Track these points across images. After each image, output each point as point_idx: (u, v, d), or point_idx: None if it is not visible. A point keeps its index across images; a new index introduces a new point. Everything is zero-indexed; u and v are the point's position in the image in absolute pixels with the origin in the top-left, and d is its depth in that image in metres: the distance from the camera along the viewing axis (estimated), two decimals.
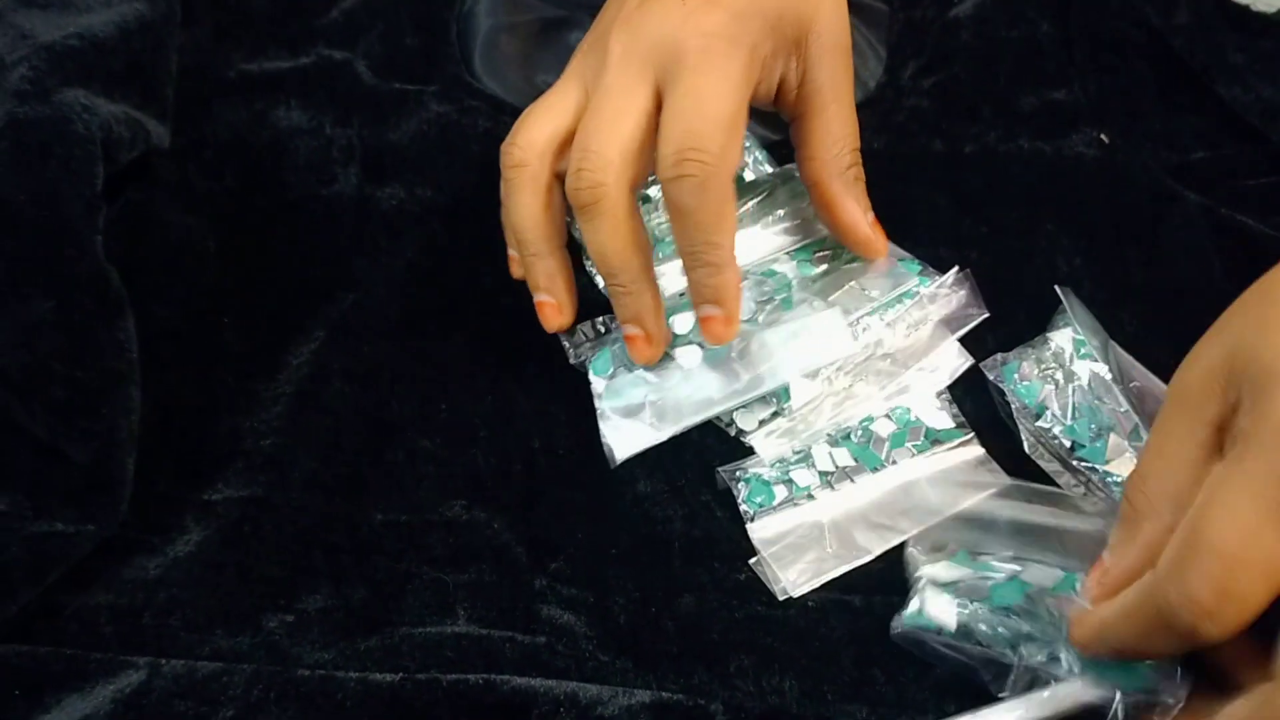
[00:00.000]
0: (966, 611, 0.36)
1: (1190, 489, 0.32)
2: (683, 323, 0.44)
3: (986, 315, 0.45)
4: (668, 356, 0.43)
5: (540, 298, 0.43)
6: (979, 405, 0.45)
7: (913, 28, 0.57)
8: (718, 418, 0.44)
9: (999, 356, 0.45)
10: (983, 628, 0.36)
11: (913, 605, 0.37)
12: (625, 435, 0.42)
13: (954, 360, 0.45)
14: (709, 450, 0.44)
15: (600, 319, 0.46)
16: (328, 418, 0.45)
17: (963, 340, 0.46)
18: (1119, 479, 0.42)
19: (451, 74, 0.56)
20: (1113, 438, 0.42)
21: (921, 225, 0.49)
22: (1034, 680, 0.35)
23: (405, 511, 0.43)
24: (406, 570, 0.41)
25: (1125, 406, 0.43)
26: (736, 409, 0.43)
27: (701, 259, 0.40)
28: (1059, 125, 0.53)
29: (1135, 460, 0.42)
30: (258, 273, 0.49)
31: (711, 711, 0.37)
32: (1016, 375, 0.44)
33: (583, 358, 0.45)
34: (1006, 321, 0.46)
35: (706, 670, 0.39)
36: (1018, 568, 0.38)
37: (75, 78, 0.45)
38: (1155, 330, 0.46)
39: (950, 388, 0.45)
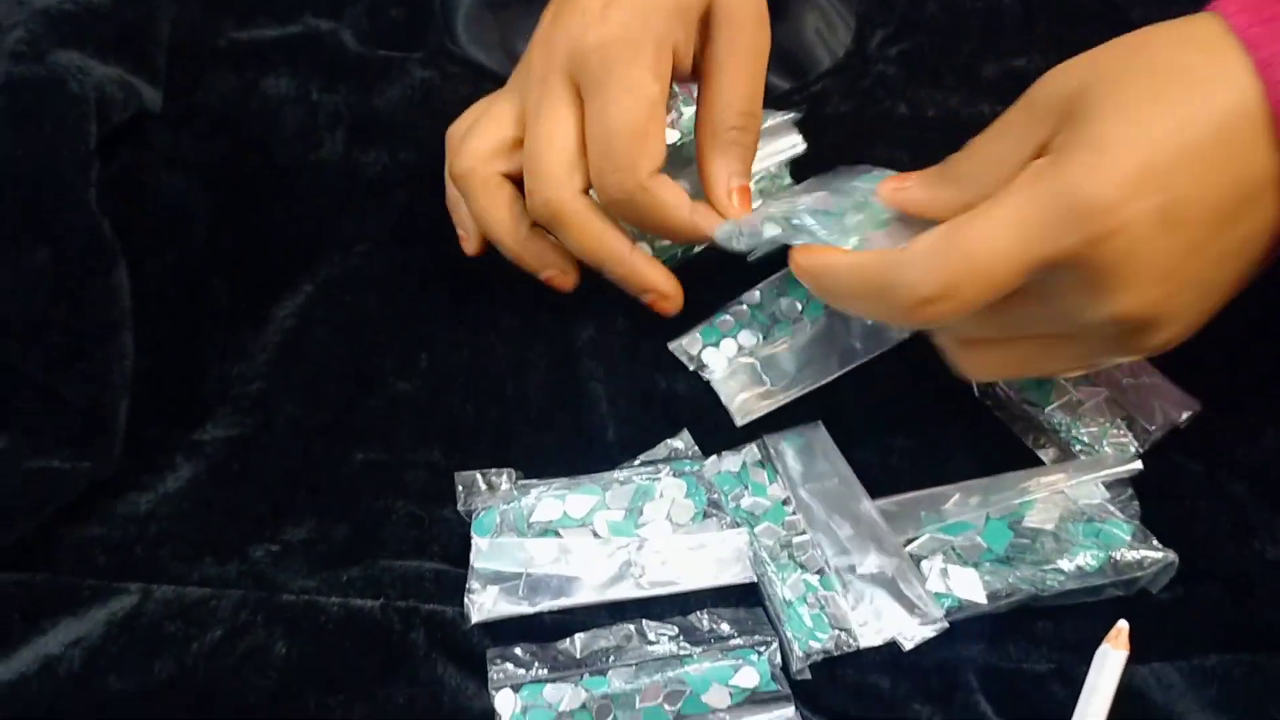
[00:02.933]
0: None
1: (994, 188, 0.35)
2: (578, 506, 0.43)
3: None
4: (556, 534, 0.42)
5: (544, 276, 0.46)
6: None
7: (881, 0, 0.59)
8: (685, 351, 0.46)
9: None
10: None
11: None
12: (489, 601, 0.40)
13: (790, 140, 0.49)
14: (678, 399, 0.47)
15: (495, 471, 0.44)
16: (312, 366, 0.47)
17: None
18: (1062, 422, 0.44)
19: (434, 42, 0.58)
20: (1058, 383, 0.45)
21: None
22: None
23: (385, 453, 0.45)
24: (386, 508, 0.44)
25: None
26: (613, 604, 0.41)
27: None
28: (1020, 91, 0.55)
29: (1077, 404, 0.44)
30: (246, 232, 0.51)
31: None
32: None
33: (472, 507, 0.43)
34: None
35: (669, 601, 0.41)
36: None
37: (69, 40, 0.47)
38: None
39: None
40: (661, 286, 0.44)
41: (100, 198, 0.45)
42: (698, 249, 0.49)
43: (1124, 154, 0.32)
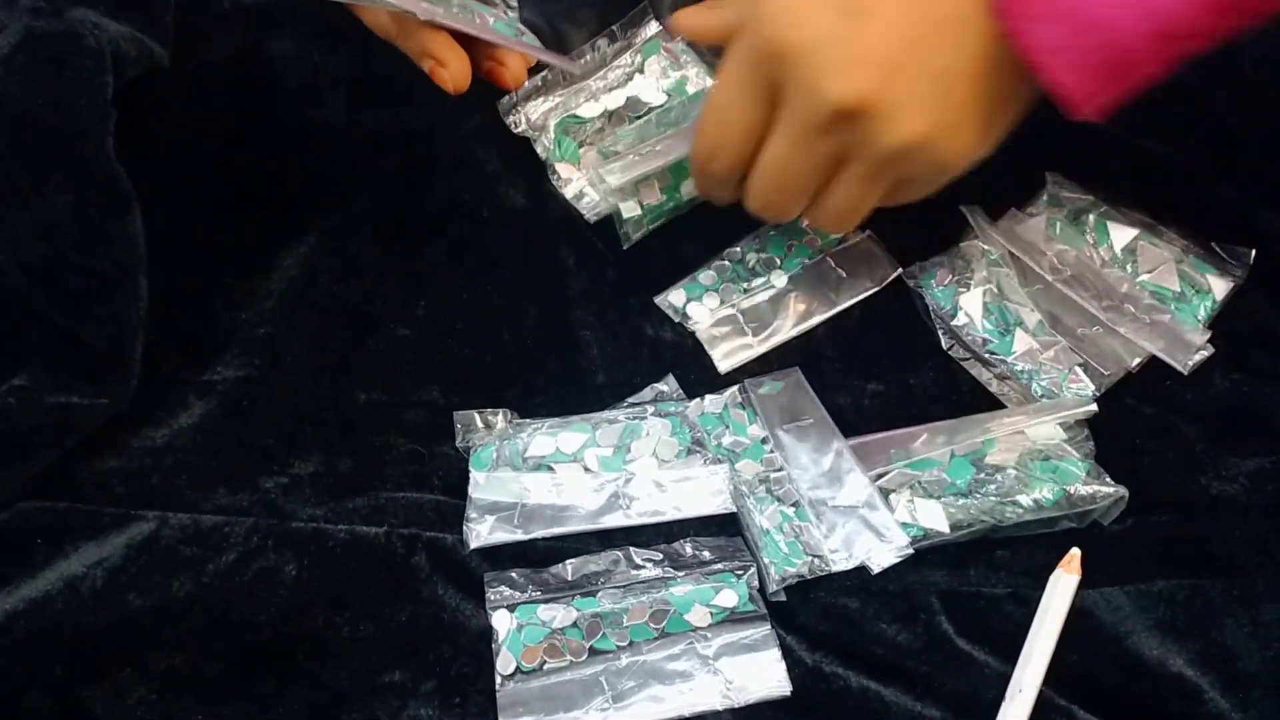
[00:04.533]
0: None
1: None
2: (569, 442, 0.45)
3: None
4: (549, 469, 0.45)
5: (426, 68, 0.45)
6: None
7: None
8: (670, 304, 0.49)
9: (918, 265, 0.50)
10: None
11: None
12: (486, 529, 0.43)
13: None
14: (664, 346, 0.49)
15: (491, 411, 0.46)
16: (317, 311, 0.49)
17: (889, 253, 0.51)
18: (1024, 370, 0.47)
19: None
20: (1019, 333, 0.47)
21: None
22: None
23: (386, 393, 0.47)
24: (388, 444, 0.46)
25: (1030, 305, 0.48)
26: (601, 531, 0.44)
27: None
28: None
29: (1038, 353, 0.47)
30: (252, 185, 0.54)
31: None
32: (934, 281, 0.49)
33: (469, 444, 0.46)
34: (922, 234, 0.51)
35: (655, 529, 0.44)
36: None
37: None
38: None
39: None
40: (440, 55, 0.45)
41: (115, 148, 0.47)
42: (686, 201, 0.51)
43: None
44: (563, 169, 0.53)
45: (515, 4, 0.50)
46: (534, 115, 0.54)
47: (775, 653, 0.40)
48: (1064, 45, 0.34)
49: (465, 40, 0.45)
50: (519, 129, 0.54)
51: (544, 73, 0.54)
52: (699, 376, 0.48)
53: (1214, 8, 0.34)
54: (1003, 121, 0.39)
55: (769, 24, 0.36)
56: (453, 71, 0.44)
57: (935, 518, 0.43)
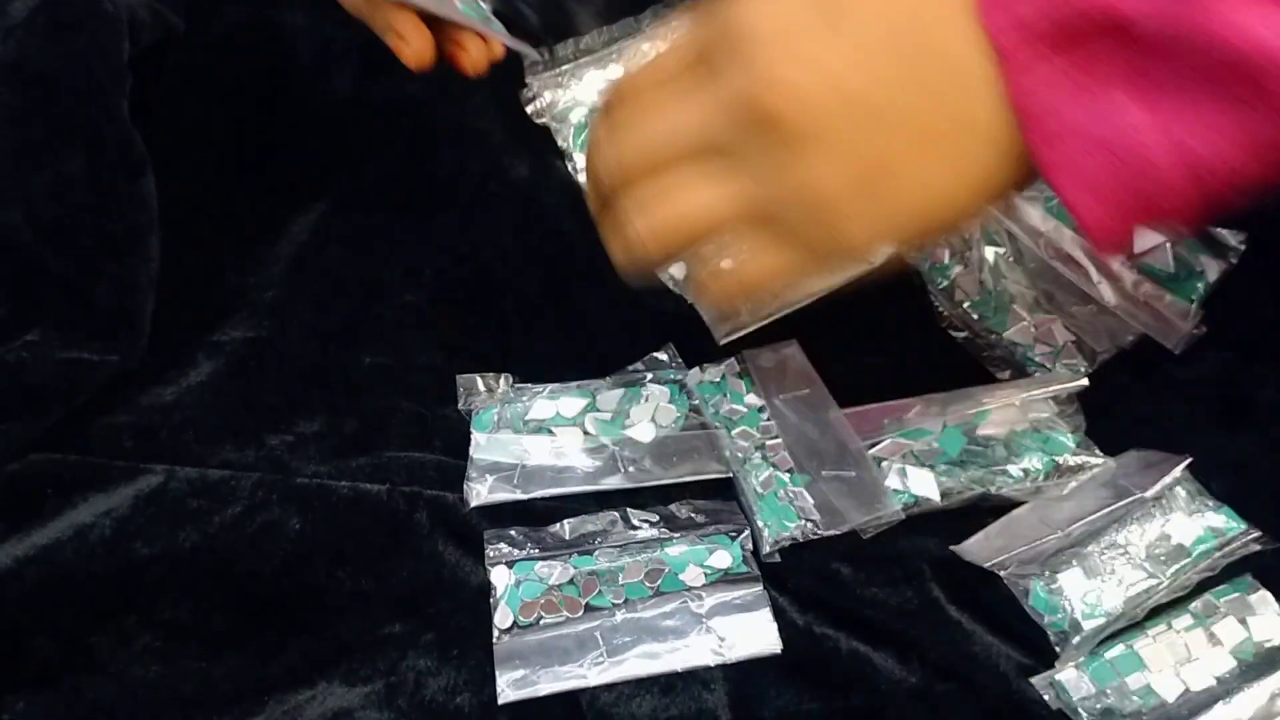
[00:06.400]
0: None
1: None
2: (570, 406, 0.46)
3: None
4: (549, 432, 0.46)
5: (392, 45, 0.46)
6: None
7: None
8: (671, 276, 0.50)
9: None
10: None
11: None
12: (486, 488, 0.44)
13: None
14: (664, 317, 0.50)
15: (493, 375, 0.47)
16: (324, 276, 0.50)
17: None
18: (1018, 346, 0.48)
19: None
20: (1014, 310, 0.48)
21: None
22: None
23: (391, 357, 0.48)
24: (392, 406, 0.47)
25: (1025, 282, 0.49)
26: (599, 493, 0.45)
27: None
28: None
29: (1032, 329, 0.48)
30: (262, 153, 0.55)
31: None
32: (931, 258, 0.50)
33: (471, 406, 0.47)
34: None
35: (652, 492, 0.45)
36: None
37: None
38: None
39: None
40: (403, 31, 0.46)
41: (129, 113, 0.48)
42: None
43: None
44: (581, 159, 0.54)
45: None
46: (557, 105, 0.55)
47: (767, 613, 0.41)
48: (1095, 173, 0.29)
49: (432, 20, 0.46)
50: (541, 119, 0.54)
51: (568, 65, 0.55)
52: (698, 347, 0.49)
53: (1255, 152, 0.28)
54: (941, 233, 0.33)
55: (737, 5, 0.30)
56: (415, 49, 0.45)
57: (927, 485, 0.44)
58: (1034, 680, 0.39)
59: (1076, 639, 0.39)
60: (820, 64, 0.29)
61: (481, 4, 0.49)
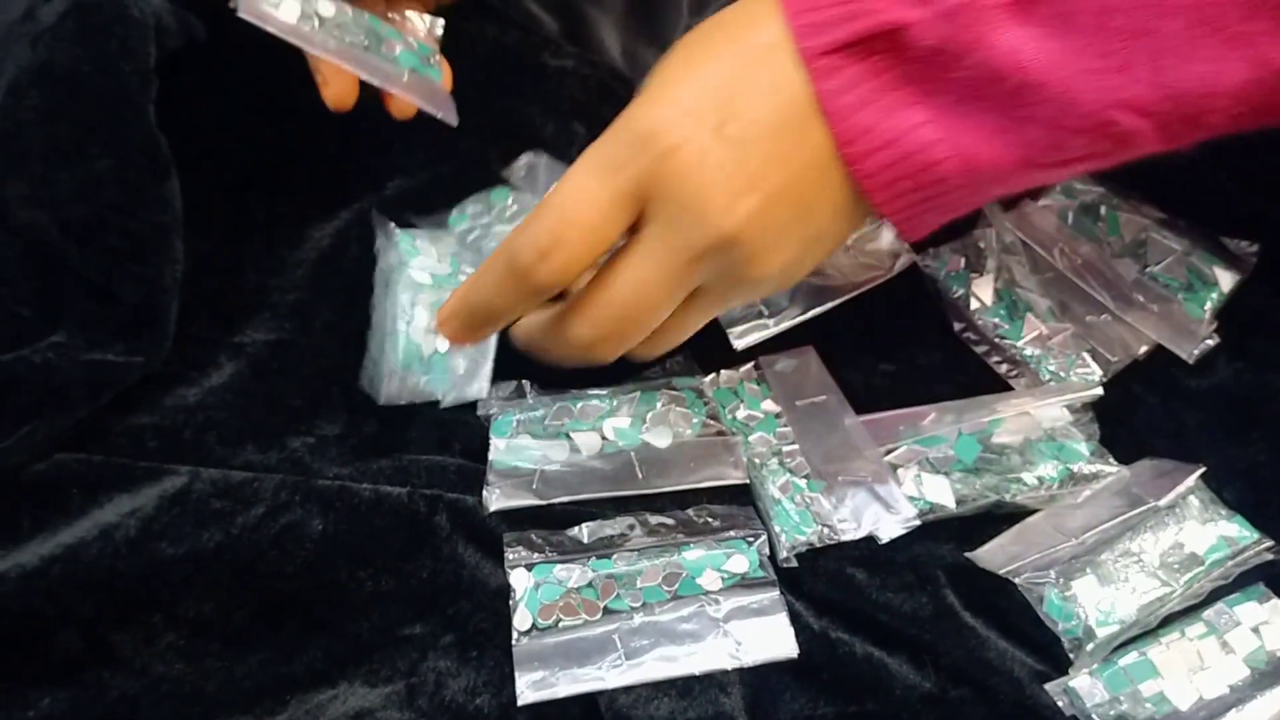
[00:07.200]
0: None
1: None
2: (588, 412, 0.47)
3: None
4: (567, 438, 0.46)
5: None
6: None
7: None
8: None
9: (931, 251, 0.51)
10: None
11: None
12: (505, 492, 0.44)
13: None
14: None
15: (513, 381, 0.48)
16: (346, 279, 0.51)
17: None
18: (1033, 354, 0.48)
19: None
20: (1029, 319, 0.49)
21: None
22: None
23: None
24: (412, 409, 0.47)
25: (1040, 292, 0.49)
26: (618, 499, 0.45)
27: None
28: None
29: (1047, 338, 0.48)
30: (285, 158, 0.55)
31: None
32: (946, 267, 0.50)
33: (491, 411, 0.47)
34: None
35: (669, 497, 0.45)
36: None
37: None
38: None
39: None
40: (323, 73, 0.47)
41: (155, 117, 0.49)
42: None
43: (674, 83, 0.36)
44: None
45: (439, 32, 0.52)
46: None
47: (783, 617, 0.41)
48: (884, 167, 0.35)
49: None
50: None
51: None
52: (715, 354, 0.50)
53: (1026, 162, 0.35)
54: (828, 250, 0.40)
55: (645, 125, 0.35)
56: (333, 91, 0.47)
57: (942, 492, 0.44)
58: (1048, 686, 0.39)
59: (1090, 646, 0.40)
60: (741, 186, 0.35)
61: (425, 50, 0.50)
